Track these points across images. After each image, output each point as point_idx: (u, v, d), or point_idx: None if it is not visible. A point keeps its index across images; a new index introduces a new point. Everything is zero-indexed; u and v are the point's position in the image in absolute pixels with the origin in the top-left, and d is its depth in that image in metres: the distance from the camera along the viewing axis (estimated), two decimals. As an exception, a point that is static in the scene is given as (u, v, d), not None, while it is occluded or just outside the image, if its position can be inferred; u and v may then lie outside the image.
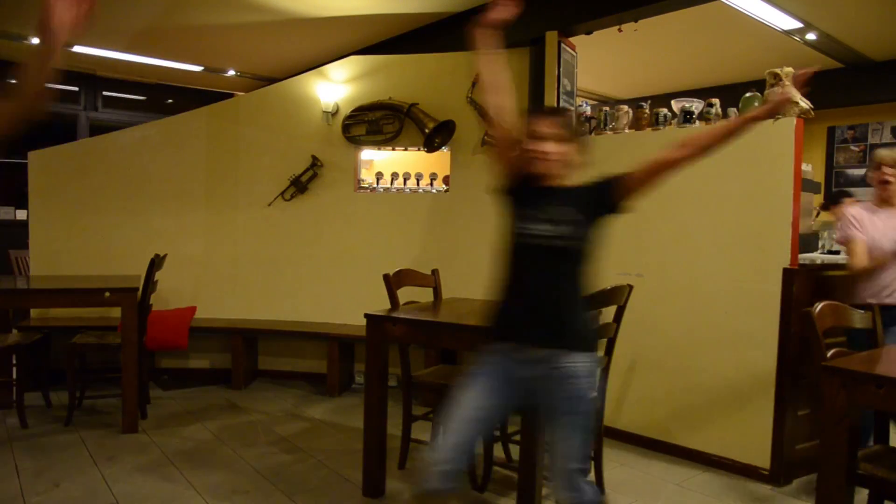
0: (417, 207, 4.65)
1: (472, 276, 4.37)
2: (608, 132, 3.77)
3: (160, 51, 6.29)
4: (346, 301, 4.66)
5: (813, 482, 2.98)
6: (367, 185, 4.79)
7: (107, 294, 3.53)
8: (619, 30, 4.12)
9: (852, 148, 6.57)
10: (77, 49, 6.11)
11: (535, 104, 4.14)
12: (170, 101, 7.96)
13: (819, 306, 2.23)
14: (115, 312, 3.76)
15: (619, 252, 3.65)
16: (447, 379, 3.10)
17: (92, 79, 7.26)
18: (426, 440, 3.36)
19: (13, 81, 1.43)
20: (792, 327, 3.03)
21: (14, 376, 3.91)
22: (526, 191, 1.99)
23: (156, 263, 3.89)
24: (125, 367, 3.54)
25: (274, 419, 3.95)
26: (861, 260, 2.90)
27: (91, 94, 7.35)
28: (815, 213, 4.16)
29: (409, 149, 4.67)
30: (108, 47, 6.11)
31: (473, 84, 4.43)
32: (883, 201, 3.03)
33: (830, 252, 4.02)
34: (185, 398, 4.36)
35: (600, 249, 2.00)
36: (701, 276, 3.32)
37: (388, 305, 3.07)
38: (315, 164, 4.76)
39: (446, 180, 4.62)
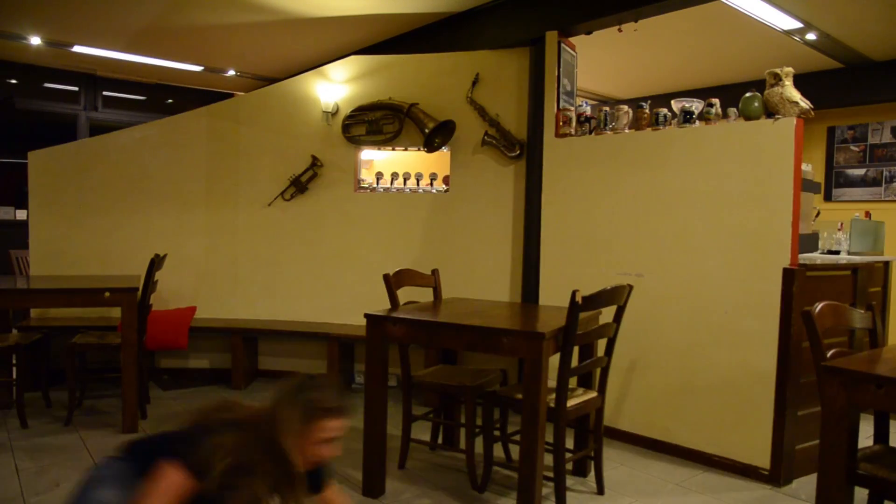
0: (417, 207, 4.65)
1: (472, 276, 4.39)
2: (608, 132, 3.77)
3: (160, 51, 6.29)
4: (346, 301, 4.67)
5: (813, 482, 2.98)
6: (367, 185, 4.79)
7: (107, 294, 3.53)
8: (619, 30, 4.11)
9: (852, 148, 6.57)
10: (77, 49, 6.11)
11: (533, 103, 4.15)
12: (170, 101, 7.95)
13: (819, 306, 2.22)
14: (115, 312, 3.76)
15: (619, 252, 3.66)
16: (447, 379, 3.10)
17: (92, 79, 7.26)
18: (426, 440, 3.37)
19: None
20: (792, 327, 3.03)
21: (14, 376, 3.92)
22: None
23: (156, 263, 3.89)
24: (125, 367, 3.54)
25: (274, 419, 3.94)
26: None
27: (91, 94, 7.34)
28: (815, 213, 4.15)
29: (409, 149, 4.67)
30: (108, 47, 6.11)
31: (473, 84, 4.43)
32: None
33: (830, 252, 4.02)
34: (185, 398, 4.36)
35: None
36: (701, 276, 3.32)
37: (388, 305, 3.08)
38: (315, 164, 4.76)
39: (446, 180, 4.62)
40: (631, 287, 2.83)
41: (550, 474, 2.63)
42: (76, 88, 7.27)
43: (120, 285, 3.58)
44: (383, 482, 2.88)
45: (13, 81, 6.96)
